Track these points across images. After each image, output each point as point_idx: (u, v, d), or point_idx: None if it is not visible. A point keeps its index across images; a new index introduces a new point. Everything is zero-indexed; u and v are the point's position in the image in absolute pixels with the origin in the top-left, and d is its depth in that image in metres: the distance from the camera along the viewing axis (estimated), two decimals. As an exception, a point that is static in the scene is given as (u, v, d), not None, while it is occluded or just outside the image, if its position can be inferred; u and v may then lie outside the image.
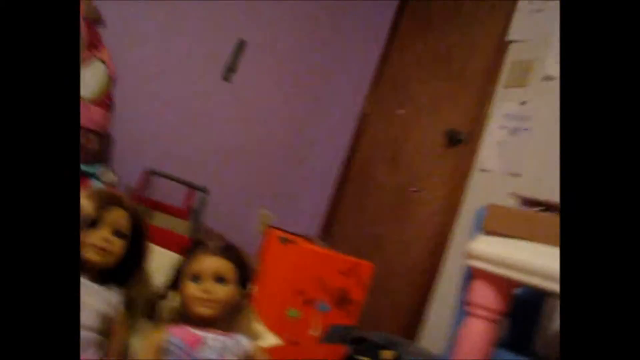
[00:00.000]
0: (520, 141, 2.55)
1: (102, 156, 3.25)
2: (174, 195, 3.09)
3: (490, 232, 1.76)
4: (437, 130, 3.05)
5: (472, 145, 2.78)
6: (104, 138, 3.19)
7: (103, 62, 3.35)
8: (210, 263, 1.18)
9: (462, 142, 2.88)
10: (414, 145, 3.19)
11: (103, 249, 1.10)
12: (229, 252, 1.21)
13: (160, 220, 2.64)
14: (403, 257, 2.97)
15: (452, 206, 2.79)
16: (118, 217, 1.13)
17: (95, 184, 2.63)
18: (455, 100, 3.03)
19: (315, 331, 2.13)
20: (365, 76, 3.75)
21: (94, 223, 1.11)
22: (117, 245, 1.13)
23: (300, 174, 3.79)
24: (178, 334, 1.13)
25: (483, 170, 2.70)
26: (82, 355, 1.03)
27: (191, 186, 2.98)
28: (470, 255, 1.70)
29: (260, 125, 3.67)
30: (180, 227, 2.71)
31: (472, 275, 1.74)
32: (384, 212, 3.21)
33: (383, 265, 2.85)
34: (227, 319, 1.22)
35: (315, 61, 3.77)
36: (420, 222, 2.96)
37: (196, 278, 1.17)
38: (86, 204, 1.10)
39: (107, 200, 1.13)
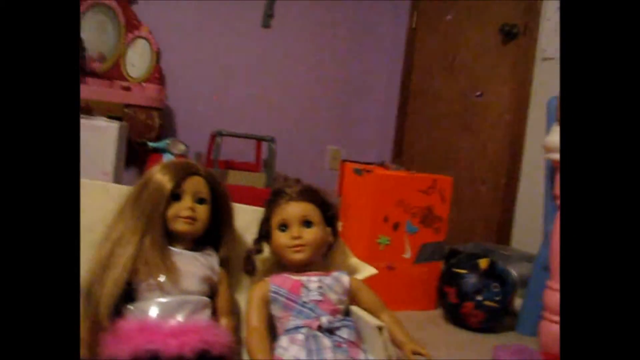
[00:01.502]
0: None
1: (166, 130, 3.33)
2: (244, 151, 3.14)
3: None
4: (490, 28, 2.92)
5: (530, 36, 2.66)
6: (163, 112, 3.26)
7: (145, 39, 3.40)
8: (293, 209, 1.20)
9: (518, 34, 2.76)
10: (468, 48, 3.08)
11: (190, 218, 1.14)
12: (310, 194, 1.23)
13: (235, 178, 2.70)
14: (480, 163, 2.92)
15: (521, 102, 2.70)
16: (196, 184, 1.16)
17: (167, 157, 2.71)
18: (503, -8, 2.90)
19: (407, 253, 2.15)
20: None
21: (175, 196, 1.14)
22: (202, 211, 1.16)
23: (360, 104, 3.76)
24: (279, 283, 1.17)
25: (546, 59, 2.59)
26: (195, 318, 1.09)
27: (258, 139, 3.01)
28: (549, 149, 1.64)
29: (309, 66, 3.64)
30: (256, 180, 2.76)
31: (555, 168, 1.69)
32: (451, 123, 3.15)
33: (461, 175, 2.82)
34: (321, 259, 1.25)
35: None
36: (491, 125, 2.89)
37: (283, 226, 1.20)
38: (164, 179, 1.13)
39: (182, 171, 1.15)
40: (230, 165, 2.96)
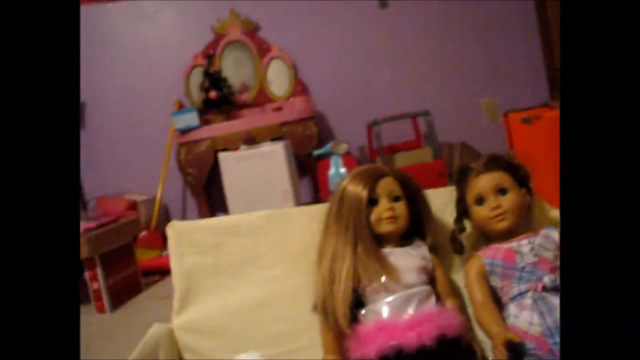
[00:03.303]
0: None
1: (325, 134, 3.46)
2: (403, 131, 3.17)
3: None
4: None
5: None
6: (317, 119, 3.40)
7: (278, 58, 3.56)
8: (485, 182, 1.21)
9: None
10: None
11: (392, 217, 1.20)
12: (495, 162, 1.23)
13: (403, 160, 2.74)
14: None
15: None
16: (388, 185, 1.22)
17: (335, 160, 2.82)
18: None
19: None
20: None
21: (372, 201, 1.21)
22: (401, 208, 1.21)
23: (500, 49, 3.62)
24: (491, 255, 1.18)
25: None
26: (424, 308, 1.14)
27: (413, 116, 3.03)
28: None
29: (439, 32, 3.58)
30: (422, 156, 2.79)
31: None
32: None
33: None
34: (524, 221, 1.24)
35: None
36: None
37: (480, 200, 1.21)
38: (357, 189, 1.20)
39: (371, 177, 1.21)
40: (393, 149, 3.01)
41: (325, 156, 2.93)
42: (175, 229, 1.34)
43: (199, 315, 1.29)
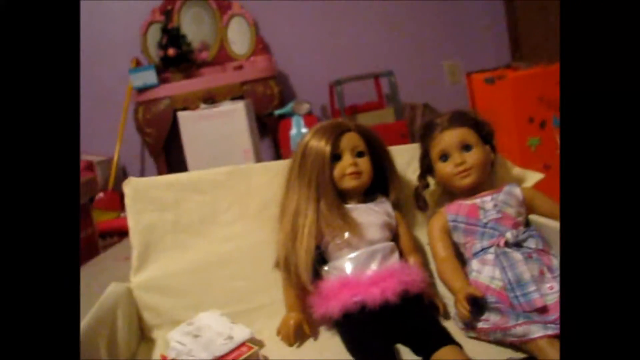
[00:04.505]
0: None
1: (287, 94, 3.41)
2: (365, 92, 3.15)
3: None
4: None
5: None
6: (278, 78, 3.34)
7: (239, 15, 3.47)
8: (449, 137, 1.19)
9: None
10: None
11: (355, 173, 1.18)
12: (460, 118, 1.22)
13: (365, 120, 2.73)
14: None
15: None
16: (351, 140, 1.20)
17: (296, 120, 2.78)
18: None
19: (562, 148, 2.08)
20: None
21: (335, 156, 1.18)
22: (364, 164, 1.20)
23: (465, 12, 3.60)
24: (455, 211, 1.18)
25: None
26: (387, 264, 1.14)
27: (375, 76, 3.01)
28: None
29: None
30: (384, 116, 2.78)
31: None
32: None
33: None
34: (487, 178, 1.24)
35: None
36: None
37: (444, 156, 1.20)
38: (320, 144, 1.17)
39: (334, 132, 1.19)
40: (355, 109, 2.99)
41: (287, 116, 2.89)
42: (132, 186, 1.29)
43: (158, 273, 1.26)
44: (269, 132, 3.34)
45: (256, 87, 3.22)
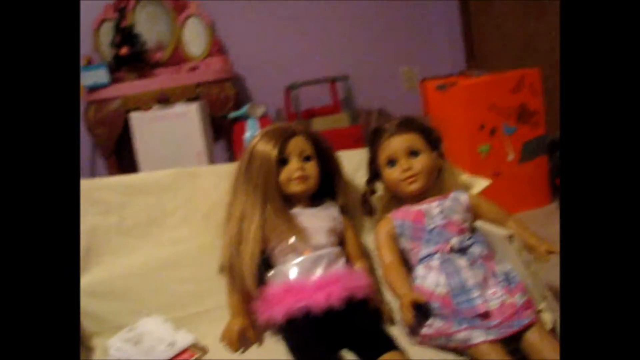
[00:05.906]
0: None
1: (242, 96, 3.38)
2: (321, 96, 3.14)
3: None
4: None
5: None
6: (234, 81, 3.31)
7: (195, 15, 3.42)
8: (397, 143, 1.19)
9: None
10: None
11: (302, 177, 1.17)
12: (408, 124, 1.22)
13: (320, 124, 2.73)
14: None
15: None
16: (299, 144, 1.19)
17: (251, 123, 2.76)
18: None
19: (511, 155, 2.12)
20: None
21: (282, 160, 1.17)
22: (311, 168, 1.19)
23: (422, 19, 3.63)
24: (401, 216, 1.18)
25: None
26: (333, 269, 1.13)
27: (331, 80, 3.01)
28: None
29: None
30: (339, 121, 2.78)
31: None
32: (518, 12, 2.99)
33: (547, 63, 2.70)
34: (434, 184, 1.25)
35: None
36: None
37: (391, 162, 1.20)
38: (267, 148, 1.16)
39: (282, 135, 1.18)
40: (311, 113, 2.98)
41: (242, 119, 2.86)
42: (74, 187, 1.26)
43: (100, 277, 1.23)
44: (223, 135, 3.30)
45: (211, 89, 3.17)
